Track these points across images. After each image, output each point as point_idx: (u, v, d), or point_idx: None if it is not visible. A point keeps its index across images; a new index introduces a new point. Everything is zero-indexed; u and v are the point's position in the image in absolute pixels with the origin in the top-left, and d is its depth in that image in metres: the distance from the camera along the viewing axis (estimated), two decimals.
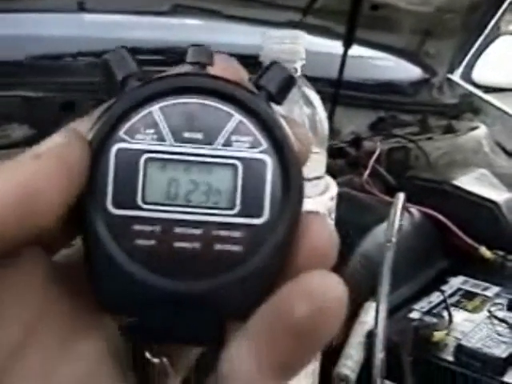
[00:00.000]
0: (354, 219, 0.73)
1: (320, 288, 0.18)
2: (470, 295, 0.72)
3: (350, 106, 1.22)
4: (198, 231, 0.19)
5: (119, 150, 0.19)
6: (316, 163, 0.47)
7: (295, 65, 0.48)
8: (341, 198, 0.66)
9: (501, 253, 0.79)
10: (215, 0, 1.30)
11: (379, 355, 0.54)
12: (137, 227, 0.19)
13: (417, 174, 0.94)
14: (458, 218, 0.80)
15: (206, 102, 0.19)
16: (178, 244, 0.19)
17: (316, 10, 1.28)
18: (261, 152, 0.19)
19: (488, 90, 1.53)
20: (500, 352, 0.58)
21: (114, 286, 0.19)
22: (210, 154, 0.19)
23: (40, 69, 1.08)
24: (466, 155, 1.13)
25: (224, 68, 0.21)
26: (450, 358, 0.59)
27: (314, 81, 0.52)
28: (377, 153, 0.97)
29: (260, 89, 0.20)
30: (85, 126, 0.19)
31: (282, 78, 0.21)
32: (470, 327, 0.63)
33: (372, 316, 0.60)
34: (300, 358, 0.18)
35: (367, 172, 0.90)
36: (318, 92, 0.50)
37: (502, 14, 1.40)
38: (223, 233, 0.19)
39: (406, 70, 1.52)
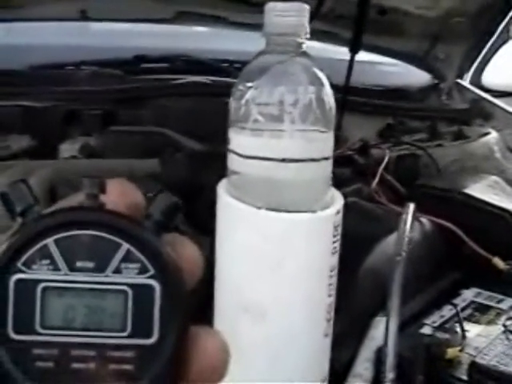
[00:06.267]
0: (362, 230, 0.71)
1: None
2: (483, 308, 0.69)
3: (358, 112, 1.20)
4: (93, 353, 0.21)
5: (17, 281, 0.21)
6: (323, 143, 0.45)
7: (299, 39, 0.44)
8: (349, 208, 0.64)
9: None
10: (220, 6, 1.29)
11: (390, 374, 0.52)
12: (36, 351, 0.21)
13: (427, 182, 0.91)
14: (469, 228, 0.77)
15: (97, 233, 0.21)
16: (74, 365, 0.21)
17: (322, 15, 1.26)
18: (148, 277, 0.22)
19: (498, 94, 1.51)
20: None
21: None
22: (101, 281, 0.21)
23: (42, 78, 1.07)
24: (478, 162, 1.10)
25: (120, 193, 0.23)
26: (464, 377, 0.56)
27: None
28: (385, 160, 0.94)
29: (149, 217, 0.22)
30: None
31: (167, 207, 0.23)
32: (485, 343, 0.61)
33: (381, 331, 0.57)
34: None
35: (376, 181, 0.88)
36: None
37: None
38: (116, 353, 0.21)
39: (414, 76, 1.50)
